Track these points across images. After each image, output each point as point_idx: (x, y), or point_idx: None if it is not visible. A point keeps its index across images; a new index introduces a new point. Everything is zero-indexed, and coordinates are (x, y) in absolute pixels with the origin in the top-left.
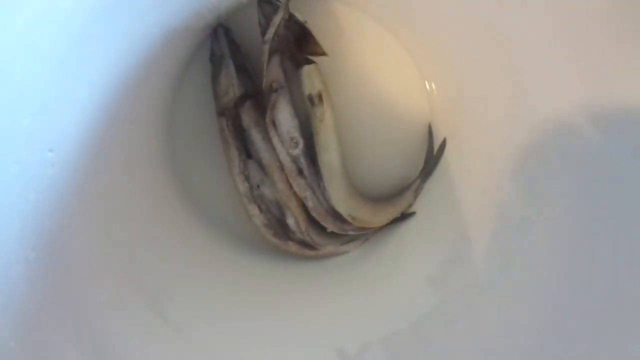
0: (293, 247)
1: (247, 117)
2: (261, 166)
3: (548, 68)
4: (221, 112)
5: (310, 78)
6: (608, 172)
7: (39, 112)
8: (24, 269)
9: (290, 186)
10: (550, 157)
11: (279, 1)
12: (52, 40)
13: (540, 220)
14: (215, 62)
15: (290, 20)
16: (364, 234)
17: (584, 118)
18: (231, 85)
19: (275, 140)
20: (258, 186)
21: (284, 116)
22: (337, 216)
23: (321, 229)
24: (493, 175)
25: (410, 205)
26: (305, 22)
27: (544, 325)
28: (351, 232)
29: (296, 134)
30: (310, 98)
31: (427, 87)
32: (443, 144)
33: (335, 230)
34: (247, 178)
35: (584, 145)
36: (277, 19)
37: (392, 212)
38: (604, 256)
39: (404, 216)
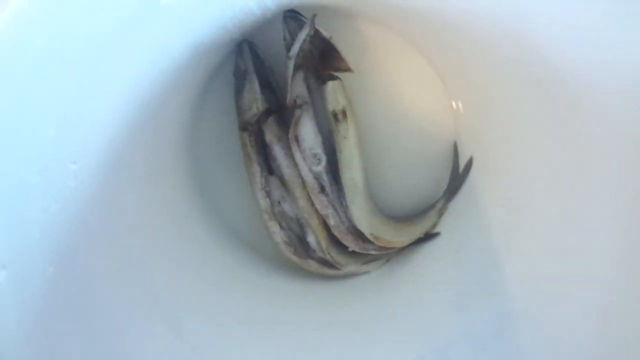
0: (313, 265)
1: (270, 133)
2: (283, 182)
3: (583, 82)
4: (244, 127)
5: (334, 94)
6: None
7: (63, 124)
8: (42, 282)
9: (312, 203)
10: (589, 177)
11: (305, 17)
12: (79, 52)
13: (577, 245)
14: (239, 77)
15: (316, 36)
16: (386, 254)
17: (623, 135)
18: (255, 100)
19: (297, 156)
20: (279, 202)
21: (307, 132)
22: (358, 235)
23: (342, 247)
24: (524, 196)
25: (434, 226)
26: (331, 37)
27: (581, 356)
28: (373, 252)
29: (319, 151)
30: (334, 114)
31: (453, 105)
32: (469, 163)
33: (357, 250)
34: (268, 194)
35: (623, 166)
36: (303, 34)
37: (415, 232)
38: None
39: (428, 237)
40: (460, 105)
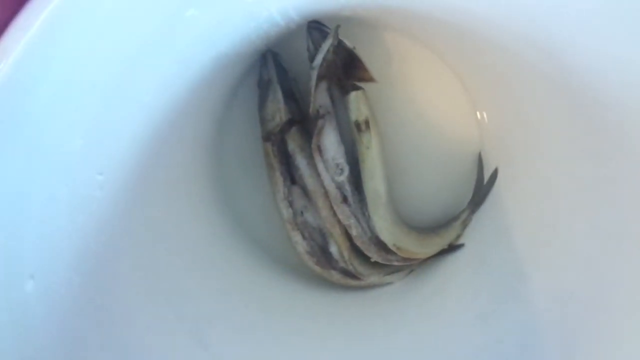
0: (335, 275)
1: (293, 143)
2: (305, 192)
3: (613, 92)
4: (267, 137)
5: (357, 104)
6: None
7: (90, 135)
8: (68, 292)
9: (334, 213)
10: (619, 189)
11: (328, 28)
12: (105, 63)
13: (606, 259)
14: (263, 87)
15: (339, 46)
16: (409, 265)
17: None
18: (278, 111)
19: (320, 166)
20: (302, 212)
21: (330, 142)
22: (381, 245)
23: (365, 258)
24: (551, 208)
25: (458, 237)
26: (354, 48)
27: None
28: (395, 263)
29: (342, 161)
30: (357, 124)
31: (478, 115)
32: (494, 174)
33: (379, 260)
34: (290, 204)
35: None
36: (326, 45)
37: (439, 243)
38: None
39: (452, 248)
40: (485, 115)
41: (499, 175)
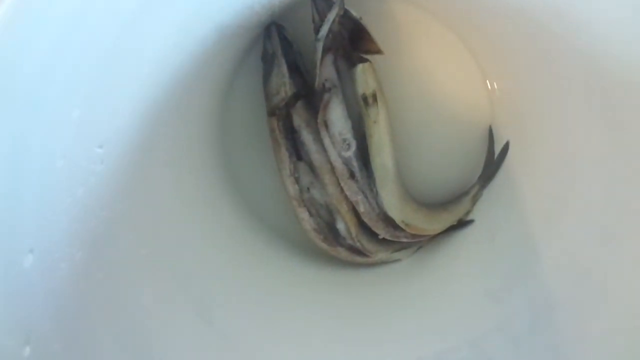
0: (343, 253)
1: (298, 118)
2: (312, 168)
3: (629, 62)
4: (272, 112)
5: (364, 77)
6: None
7: (88, 105)
8: (69, 267)
9: (342, 190)
10: (635, 161)
11: None
12: (100, 31)
13: (621, 233)
14: (267, 61)
15: (345, 16)
16: (418, 242)
17: None
18: (283, 85)
19: (326, 141)
20: (308, 189)
21: (337, 117)
22: (389, 222)
23: (372, 235)
24: (564, 181)
25: (468, 213)
26: (361, 18)
27: (624, 350)
28: (404, 240)
29: (348, 136)
30: (364, 98)
31: (489, 86)
32: (505, 148)
33: (387, 237)
34: (297, 180)
35: None
36: (332, 15)
37: (448, 219)
38: None
39: (461, 224)
40: (496, 86)
41: (511, 148)
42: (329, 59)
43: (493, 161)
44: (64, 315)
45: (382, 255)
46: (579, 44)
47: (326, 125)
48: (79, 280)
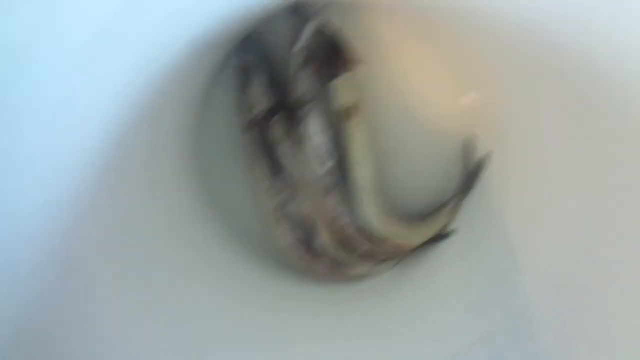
0: (322, 267)
1: (276, 131)
2: (290, 182)
3: (609, 75)
4: (249, 125)
5: (342, 89)
6: None
7: (51, 127)
8: (33, 295)
9: (320, 203)
10: (613, 174)
11: (312, 10)
12: (62, 46)
13: (599, 244)
14: (244, 73)
15: (323, 29)
16: (397, 256)
17: None
18: (260, 97)
19: (304, 155)
20: (286, 203)
21: (315, 129)
22: (368, 236)
23: (352, 249)
24: (543, 193)
25: (447, 224)
26: (339, 30)
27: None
28: (383, 253)
29: (327, 149)
30: (343, 111)
31: (468, 98)
32: (484, 159)
33: (367, 251)
34: (275, 194)
35: None
36: (310, 28)
37: (428, 231)
38: None
39: (441, 236)
40: (474, 98)
41: (490, 159)
42: (307, 71)
43: (471, 173)
44: (28, 343)
45: (361, 269)
46: (556, 56)
47: (304, 139)
48: (45, 307)
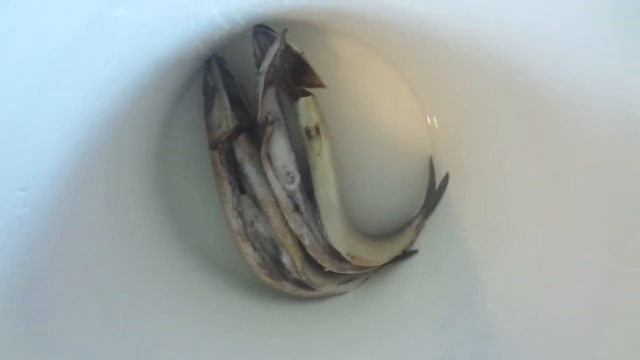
0: (288, 287)
1: (241, 151)
2: (255, 202)
3: (561, 96)
4: (214, 145)
5: (307, 110)
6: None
7: (6, 144)
8: None
9: (286, 223)
10: (567, 192)
11: (275, 32)
12: (24, 62)
13: (556, 261)
14: (209, 94)
15: (287, 51)
16: (363, 274)
17: (600, 150)
18: (224, 118)
19: (270, 174)
20: (252, 223)
21: (280, 150)
22: (334, 254)
23: (318, 268)
24: (502, 212)
25: (412, 243)
26: (302, 53)
27: None
28: (350, 272)
29: (292, 168)
30: (307, 131)
31: (428, 120)
32: (446, 179)
33: (333, 270)
34: (240, 214)
35: (601, 181)
36: (273, 49)
37: (393, 250)
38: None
39: (406, 254)
40: (435, 120)
41: (451, 179)
42: (271, 92)
43: (434, 192)
44: None
45: (328, 288)
46: (513, 80)
47: (269, 158)
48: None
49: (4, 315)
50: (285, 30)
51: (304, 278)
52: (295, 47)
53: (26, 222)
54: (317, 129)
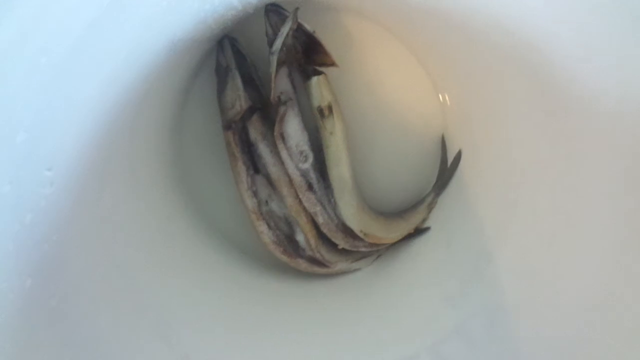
0: (303, 264)
1: (255, 131)
2: (269, 181)
3: (574, 74)
4: (228, 126)
5: (319, 89)
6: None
7: (34, 127)
8: (18, 297)
9: (300, 201)
10: (579, 169)
11: (287, 11)
12: (47, 48)
13: (568, 237)
14: (221, 74)
15: (299, 30)
16: (376, 251)
17: (612, 126)
18: (238, 98)
19: (283, 154)
20: (266, 202)
21: (293, 129)
22: (348, 232)
23: (332, 245)
24: (514, 188)
25: (424, 220)
26: (314, 32)
27: (573, 348)
28: (363, 249)
29: (305, 148)
30: (320, 110)
31: (440, 98)
32: (458, 156)
33: (346, 247)
34: (255, 194)
35: (613, 158)
36: (285, 29)
37: (405, 227)
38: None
39: (418, 232)
40: (447, 97)
41: (463, 157)
42: (284, 72)
43: (446, 169)
44: (15, 340)
45: (341, 265)
46: (526, 56)
47: (283, 138)
48: (31, 308)
49: (36, 290)
50: (297, 8)
51: (317, 255)
52: (307, 26)
53: (53, 200)
54: (330, 108)
